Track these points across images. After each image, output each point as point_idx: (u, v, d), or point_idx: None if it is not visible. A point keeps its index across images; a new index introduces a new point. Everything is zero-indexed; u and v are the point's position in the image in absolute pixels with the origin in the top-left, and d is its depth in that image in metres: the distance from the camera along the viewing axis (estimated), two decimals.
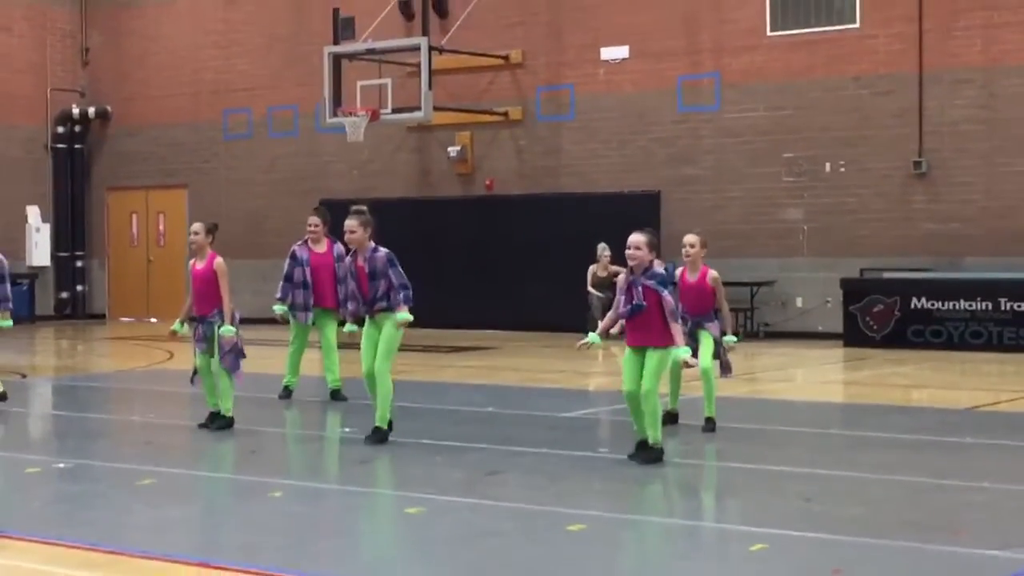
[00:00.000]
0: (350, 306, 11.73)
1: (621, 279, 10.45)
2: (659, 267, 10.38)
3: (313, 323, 14.32)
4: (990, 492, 9.29)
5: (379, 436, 11.45)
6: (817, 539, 7.87)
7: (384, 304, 11.40)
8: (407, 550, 8.00)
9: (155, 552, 7.49)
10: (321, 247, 14.38)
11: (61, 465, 10.69)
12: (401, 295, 11.37)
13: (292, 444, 12.45)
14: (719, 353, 11.97)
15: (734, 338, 11.98)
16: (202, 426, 12.25)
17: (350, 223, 11.51)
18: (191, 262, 12.32)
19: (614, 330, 10.61)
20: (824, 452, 11.30)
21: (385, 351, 11.40)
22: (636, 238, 10.26)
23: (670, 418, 12.10)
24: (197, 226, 12.22)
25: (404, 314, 11.39)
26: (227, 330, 11.93)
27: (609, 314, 10.63)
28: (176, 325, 12.39)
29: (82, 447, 11.77)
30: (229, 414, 12.20)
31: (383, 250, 11.49)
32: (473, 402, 14.38)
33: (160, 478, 9.97)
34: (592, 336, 10.63)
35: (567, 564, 7.37)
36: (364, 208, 11.77)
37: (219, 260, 12.08)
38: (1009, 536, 7.93)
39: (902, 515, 8.61)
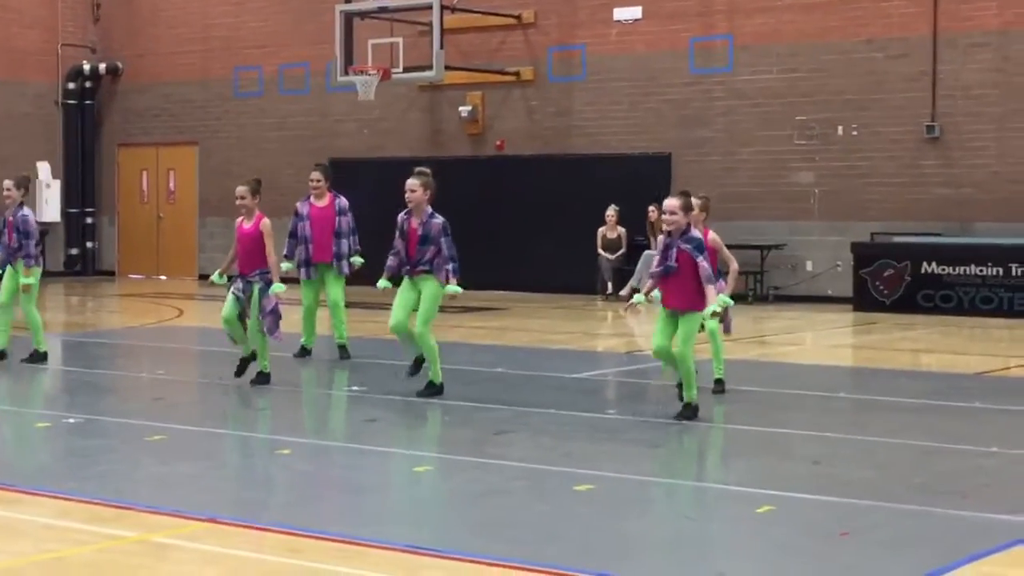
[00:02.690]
0: (390, 261, 11.77)
1: (660, 240, 10.67)
2: (697, 234, 10.51)
3: (320, 279, 14.29)
4: (999, 457, 9.30)
5: (432, 390, 11.62)
6: (825, 501, 7.88)
7: (427, 268, 11.51)
8: (415, 508, 8.02)
9: (164, 507, 7.51)
10: (323, 201, 14.36)
11: (71, 420, 10.71)
12: (450, 266, 11.52)
13: (301, 402, 12.47)
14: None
15: (730, 301, 11.77)
16: (237, 374, 12.30)
17: (411, 182, 11.61)
18: (238, 221, 12.39)
19: (655, 293, 10.67)
20: (833, 415, 11.32)
21: (426, 313, 11.57)
22: (671, 202, 10.48)
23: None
24: (241, 190, 12.29)
25: (454, 287, 11.56)
26: (277, 287, 12.05)
27: (650, 279, 10.76)
28: (215, 276, 12.63)
29: (92, 403, 11.80)
30: (267, 369, 12.31)
31: (440, 217, 11.60)
32: (482, 362, 14.40)
33: (169, 434, 10.00)
34: (637, 297, 10.75)
35: (574, 523, 7.39)
36: (427, 170, 11.83)
37: (266, 221, 12.24)
38: (1017, 501, 7.94)
39: (910, 478, 8.62)
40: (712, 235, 11.90)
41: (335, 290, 14.22)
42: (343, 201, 14.29)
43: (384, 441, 10.12)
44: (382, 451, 9.69)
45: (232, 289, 12.31)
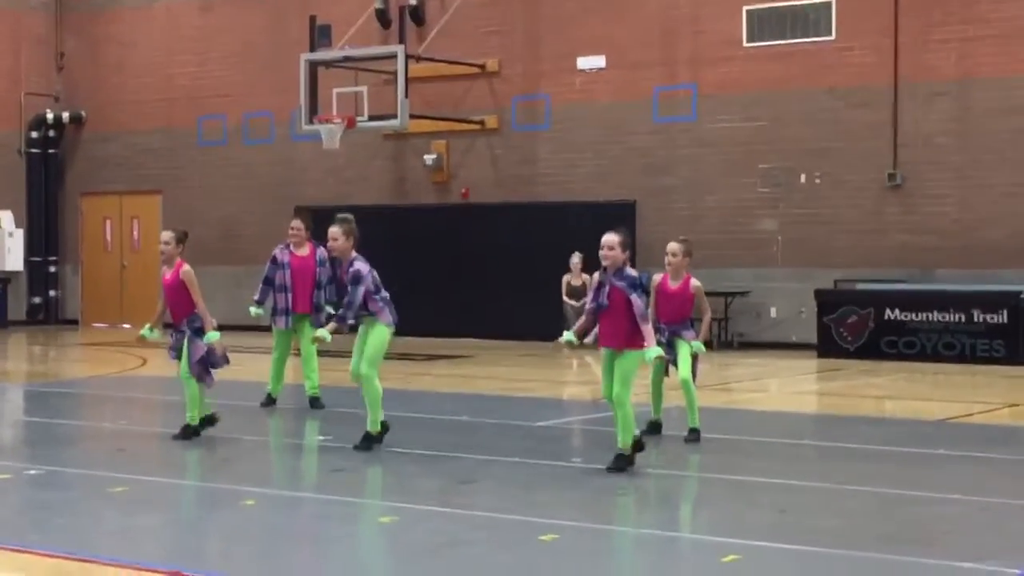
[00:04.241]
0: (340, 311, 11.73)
1: (594, 277, 10.46)
2: (633, 272, 10.43)
3: (293, 329, 14.22)
4: (962, 504, 9.32)
5: (369, 442, 11.46)
6: (790, 550, 7.88)
7: (365, 311, 11.39)
8: (380, 559, 7.98)
9: (127, 560, 7.45)
10: (303, 251, 14.25)
11: (32, 472, 10.61)
12: (337, 312, 11.51)
13: (267, 452, 12.40)
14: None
15: (703, 347, 11.98)
16: (176, 438, 12.15)
17: (333, 231, 11.47)
18: (163, 270, 12.21)
19: (588, 339, 10.59)
20: (798, 463, 11.32)
21: (371, 356, 11.42)
22: (610, 238, 10.26)
23: (654, 428, 12.14)
24: (167, 235, 12.06)
25: (322, 331, 11.48)
26: (211, 336, 11.86)
27: (583, 317, 10.62)
28: (145, 331, 12.28)
29: (54, 454, 11.69)
30: (194, 423, 12.11)
31: (358, 264, 11.42)
32: (447, 411, 14.36)
33: (132, 486, 9.92)
34: (567, 335, 10.59)
35: (539, 574, 7.36)
36: (349, 216, 11.67)
37: (186, 268, 11.92)
38: (982, 548, 7.95)
39: (875, 527, 8.62)
40: (694, 282, 11.93)
41: (309, 340, 14.08)
42: (323, 252, 14.03)
43: (350, 491, 10.07)
44: (348, 501, 9.63)
45: (169, 352, 12.17)
